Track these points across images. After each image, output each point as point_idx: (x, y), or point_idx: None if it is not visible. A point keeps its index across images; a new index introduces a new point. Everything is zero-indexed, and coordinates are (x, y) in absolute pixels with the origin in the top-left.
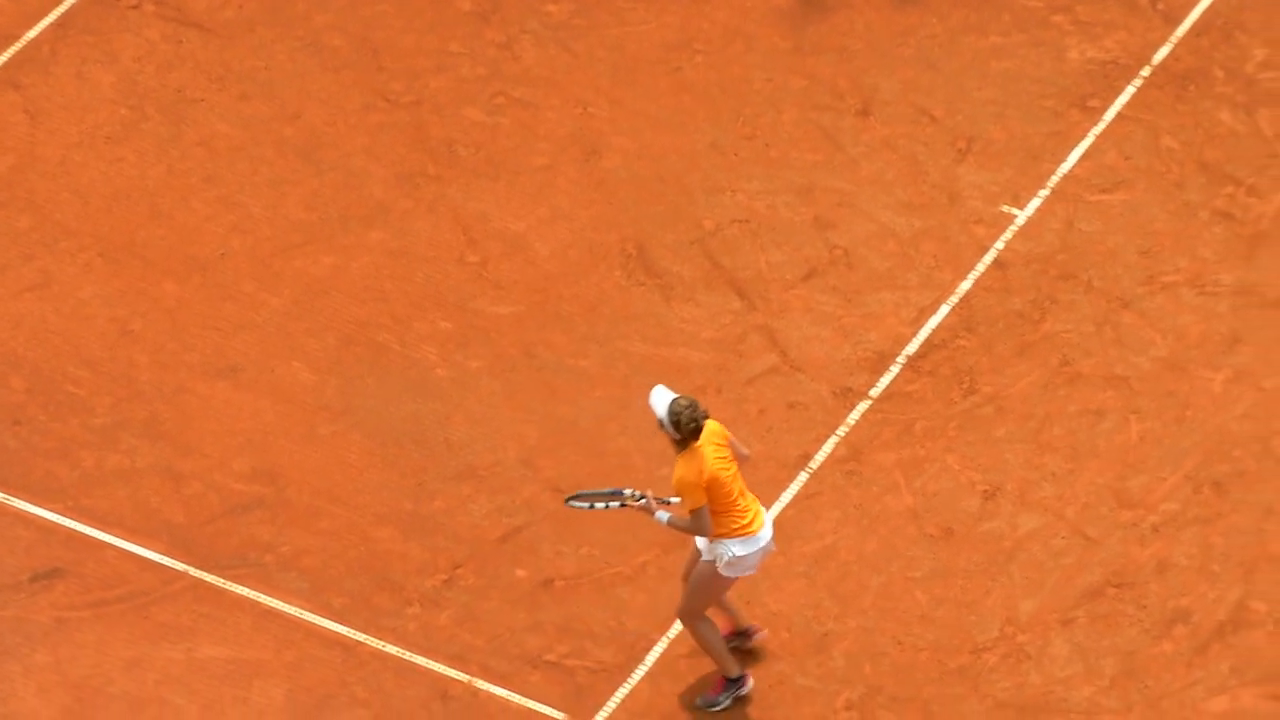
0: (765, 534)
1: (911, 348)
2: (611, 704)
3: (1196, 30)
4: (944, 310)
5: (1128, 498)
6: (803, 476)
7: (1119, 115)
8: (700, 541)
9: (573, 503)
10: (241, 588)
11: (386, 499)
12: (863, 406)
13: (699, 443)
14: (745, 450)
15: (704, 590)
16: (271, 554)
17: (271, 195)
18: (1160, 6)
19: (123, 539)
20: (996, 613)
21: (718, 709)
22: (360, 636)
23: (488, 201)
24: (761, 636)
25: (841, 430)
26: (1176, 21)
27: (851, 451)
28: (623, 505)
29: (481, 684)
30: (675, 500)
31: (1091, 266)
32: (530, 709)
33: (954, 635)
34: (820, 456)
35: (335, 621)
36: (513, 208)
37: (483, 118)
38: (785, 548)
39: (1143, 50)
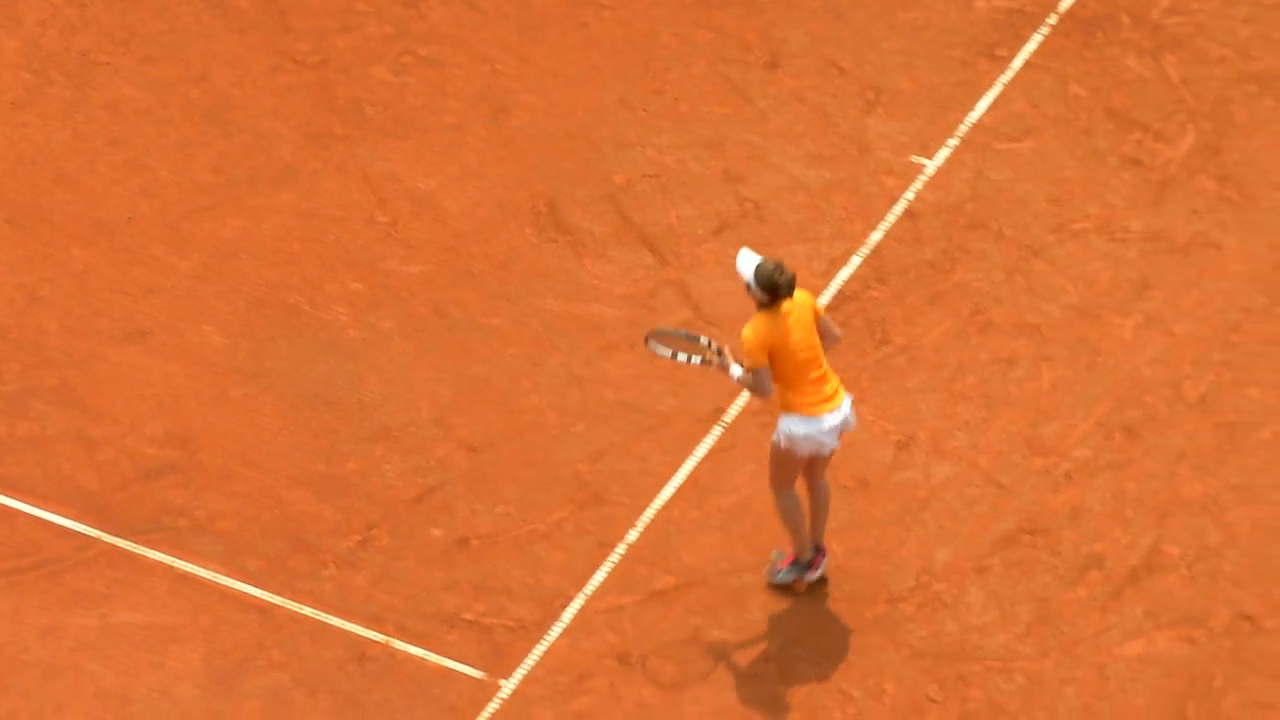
0: (829, 419)
1: (823, 299)
2: (530, 661)
3: None
4: (855, 261)
5: (1040, 445)
6: (717, 430)
7: (1026, 63)
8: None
9: (653, 344)
10: (156, 553)
11: (300, 461)
12: None
13: (782, 308)
14: (837, 331)
15: (775, 464)
16: (185, 518)
17: (179, 158)
18: None
19: (35, 506)
20: (912, 562)
21: (775, 581)
22: (276, 599)
23: (397, 161)
24: (818, 571)
25: None
26: None
27: (764, 404)
28: (703, 361)
29: (399, 644)
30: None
31: (1001, 215)
32: (448, 668)
33: (870, 585)
34: (734, 409)
35: (251, 585)
36: (422, 167)
37: (390, 77)
38: (700, 501)
39: None
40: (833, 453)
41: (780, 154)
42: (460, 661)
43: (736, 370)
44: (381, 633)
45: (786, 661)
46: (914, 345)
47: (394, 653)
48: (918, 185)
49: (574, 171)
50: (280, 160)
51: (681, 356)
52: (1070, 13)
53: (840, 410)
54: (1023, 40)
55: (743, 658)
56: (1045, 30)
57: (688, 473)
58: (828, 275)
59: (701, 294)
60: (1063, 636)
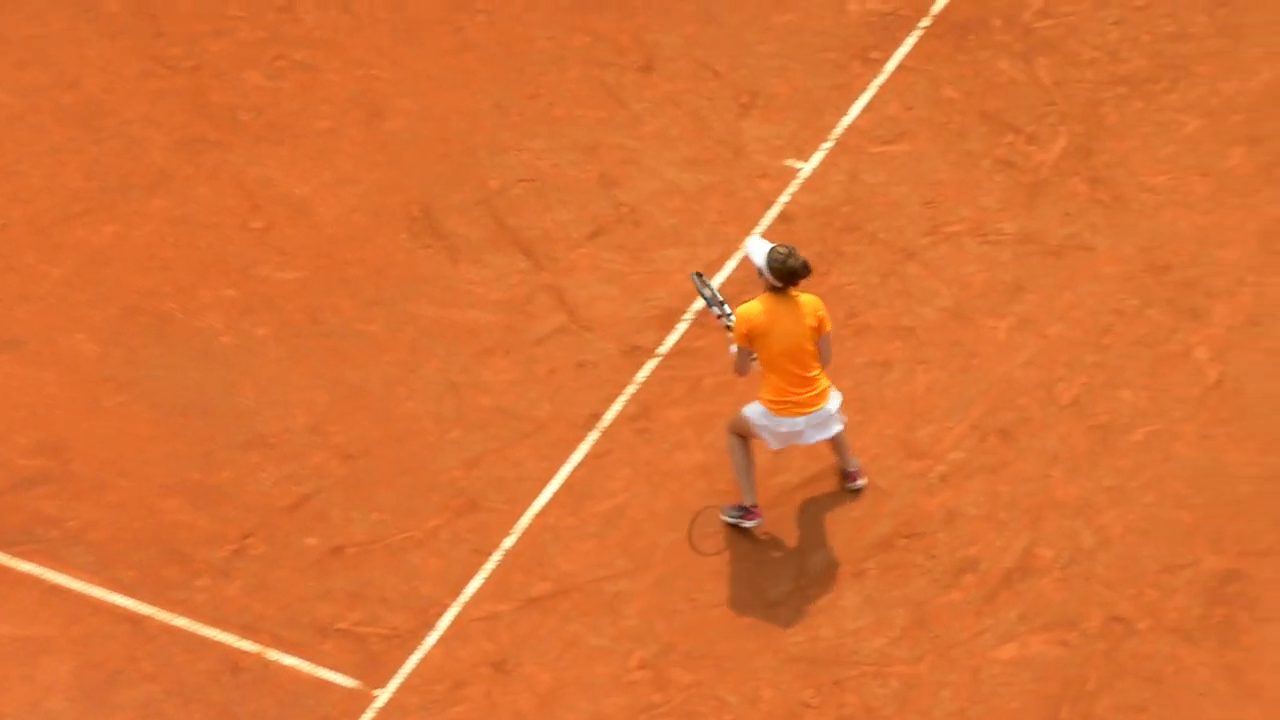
0: (786, 423)
1: (699, 303)
2: (405, 670)
3: None
4: (731, 265)
5: (916, 448)
6: (593, 435)
7: (900, 66)
8: None
9: (696, 279)
10: (27, 564)
11: (174, 470)
12: (652, 364)
13: (785, 299)
14: (828, 354)
15: (737, 419)
16: (57, 529)
17: (50, 164)
18: None
19: None
20: (788, 567)
21: (724, 519)
22: (149, 610)
23: (271, 166)
24: (858, 484)
25: (631, 388)
26: None
27: (641, 409)
28: (718, 317)
29: (273, 654)
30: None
31: (876, 218)
32: (323, 678)
33: (746, 590)
34: (610, 415)
35: (124, 595)
36: (296, 172)
37: (264, 82)
38: (576, 507)
39: (922, 1)
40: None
41: (655, 158)
42: (335, 671)
43: (734, 348)
44: (256, 643)
45: (663, 668)
46: None
47: (268, 663)
48: (793, 188)
49: (449, 176)
50: (153, 166)
51: (705, 295)
52: (942, 16)
53: (803, 418)
54: (896, 43)
55: (619, 665)
56: (918, 33)
57: (564, 479)
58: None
59: (577, 299)
60: (938, 640)
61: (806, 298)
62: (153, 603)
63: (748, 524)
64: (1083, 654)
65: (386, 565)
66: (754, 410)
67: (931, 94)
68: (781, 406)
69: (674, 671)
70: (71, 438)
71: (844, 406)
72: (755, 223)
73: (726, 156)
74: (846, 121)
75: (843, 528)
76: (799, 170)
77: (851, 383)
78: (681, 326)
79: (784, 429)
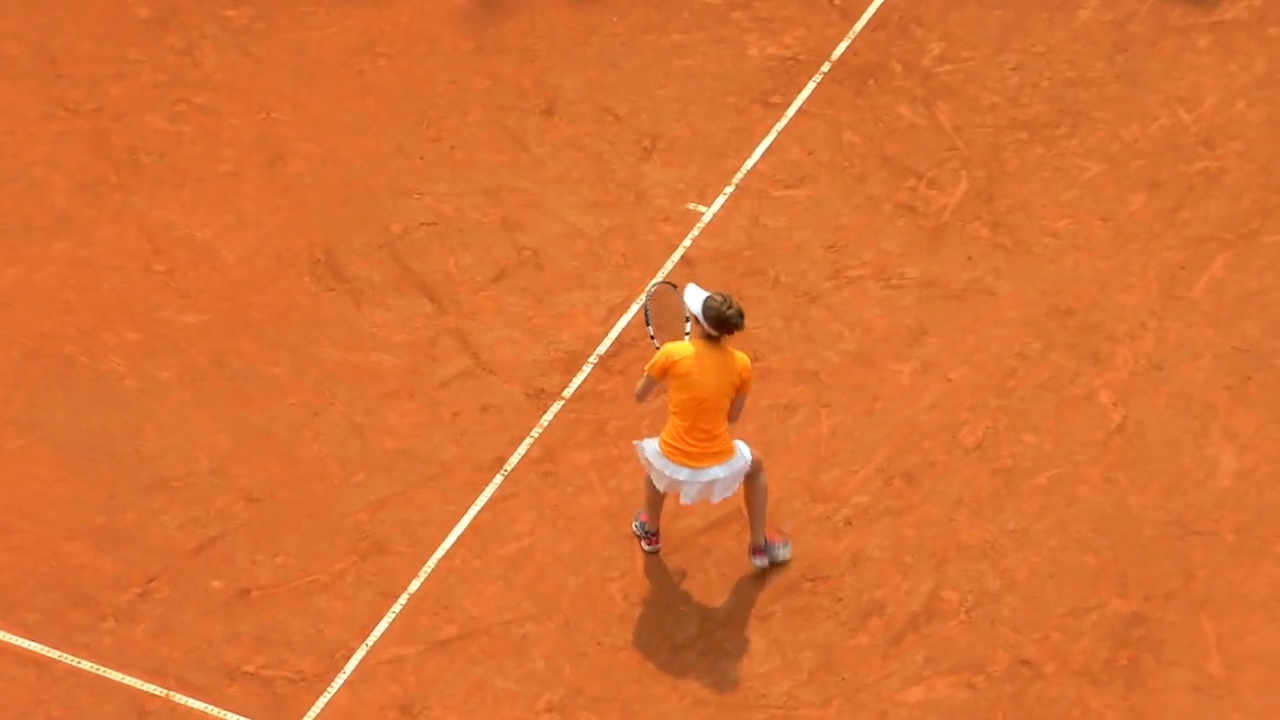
0: (678, 472)
1: (603, 347)
2: (312, 714)
3: (874, 25)
4: (634, 309)
5: (820, 491)
6: (498, 479)
7: (801, 111)
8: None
9: (647, 303)
10: None
11: (77, 513)
12: (556, 407)
13: (714, 348)
14: (736, 416)
15: (637, 448)
16: None
17: None
18: (837, 2)
19: None
20: (694, 610)
21: (634, 526)
22: (54, 654)
23: (173, 210)
24: (759, 561)
25: (536, 431)
26: (854, 17)
27: (546, 452)
28: (651, 338)
29: (179, 698)
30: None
31: (778, 262)
32: None
33: (653, 634)
34: (515, 458)
35: (27, 639)
36: (198, 215)
37: (165, 125)
38: (482, 550)
39: (822, 46)
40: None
41: (558, 201)
42: (241, 714)
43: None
44: (162, 686)
45: (570, 711)
46: None
47: (174, 706)
48: (695, 232)
49: (351, 220)
50: (54, 209)
51: (649, 325)
52: (843, 61)
53: (688, 471)
54: (797, 88)
55: (526, 708)
56: (819, 78)
57: (469, 522)
58: (607, 322)
59: (481, 342)
60: (845, 684)
61: (739, 355)
62: (57, 646)
63: (645, 547)
64: (989, 697)
65: (292, 608)
66: (650, 446)
67: (833, 138)
68: (672, 451)
69: (581, 714)
70: None
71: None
72: (659, 266)
73: (629, 200)
74: (748, 165)
75: (748, 571)
76: (701, 214)
77: (756, 426)
78: (585, 370)
79: (668, 474)
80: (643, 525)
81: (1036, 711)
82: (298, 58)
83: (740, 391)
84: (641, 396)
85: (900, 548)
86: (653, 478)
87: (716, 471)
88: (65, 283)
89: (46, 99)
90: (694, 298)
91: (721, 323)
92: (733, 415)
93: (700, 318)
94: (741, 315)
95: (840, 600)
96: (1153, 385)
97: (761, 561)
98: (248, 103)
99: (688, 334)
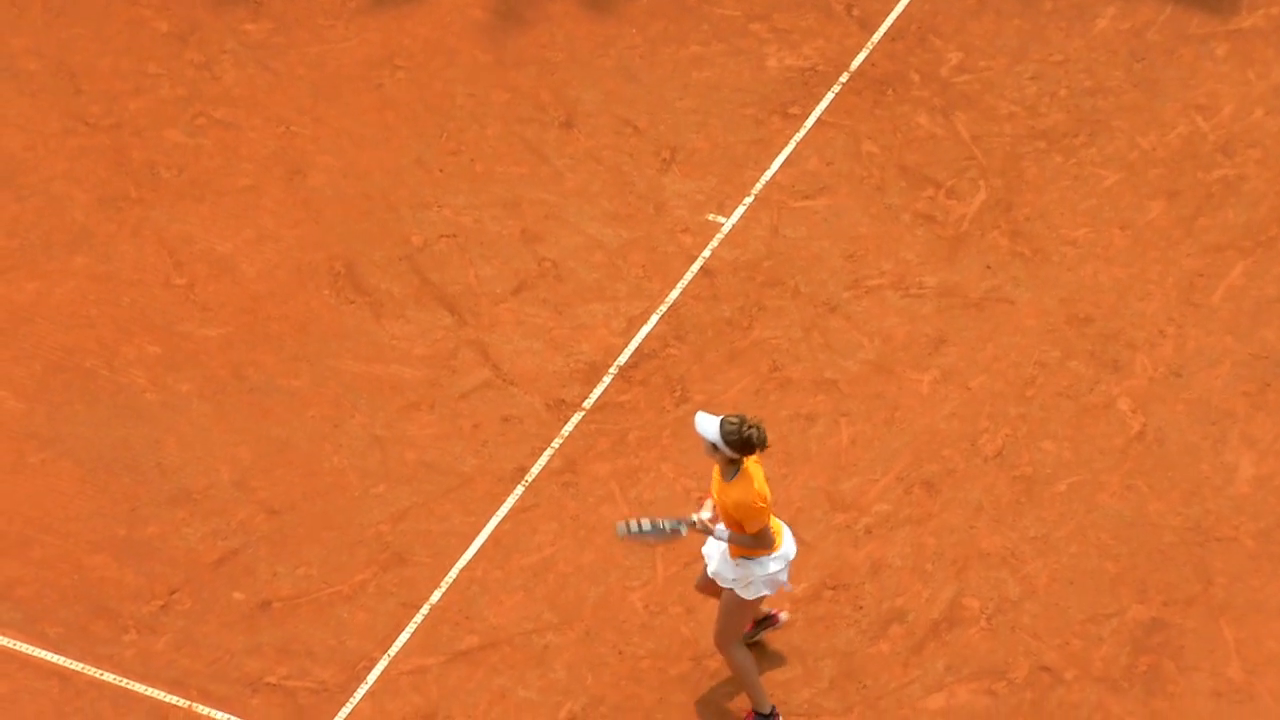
0: (790, 548)
1: (623, 358)
2: None
3: (892, 35)
4: (654, 320)
5: (841, 500)
6: (519, 490)
7: (819, 121)
8: (719, 566)
9: (634, 534)
10: None
11: (99, 526)
12: (576, 418)
13: (748, 463)
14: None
15: (734, 616)
16: None
17: None
18: (856, 13)
19: None
20: (715, 619)
21: None
22: (77, 666)
23: (193, 223)
24: (780, 623)
25: (556, 442)
26: (872, 28)
27: (567, 463)
28: (690, 529)
29: (202, 709)
30: (704, 515)
31: (798, 272)
32: None
33: (674, 643)
34: (536, 469)
35: (51, 651)
36: (218, 229)
37: (184, 139)
38: (503, 561)
39: (840, 56)
40: None
41: (577, 213)
42: None
43: (724, 531)
44: (184, 698)
45: None
46: (714, 402)
47: (197, 717)
48: (714, 243)
49: (371, 232)
50: (74, 223)
51: (676, 533)
52: (861, 71)
53: (788, 535)
54: (815, 99)
55: (548, 717)
56: (837, 88)
57: (490, 533)
58: (627, 334)
59: (501, 353)
60: (866, 691)
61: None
62: (80, 659)
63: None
64: (1010, 704)
65: (314, 619)
66: (764, 569)
67: (851, 149)
68: (780, 534)
69: None
70: None
71: (768, 458)
72: (678, 277)
73: (648, 212)
74: (767, 176)
75: None
76: (721, 225)
77: (776, 436)
78: (606, 380)
79: (792, 550)
80: (761, 718)
81: (1057, 717)
82: (316, 71)
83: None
84: (767, 540)
85: (921, 555)
86: (770, 587)
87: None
88: (86, 297)
89: (66, 114)
90: (707, 427)
91: (744, 444)
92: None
93: (722, 445)
94: (763, 434)
95: (861, 608)
96: (1172, 392)
97: (783, 617)
98: (267, 116)
99: (692, 523)
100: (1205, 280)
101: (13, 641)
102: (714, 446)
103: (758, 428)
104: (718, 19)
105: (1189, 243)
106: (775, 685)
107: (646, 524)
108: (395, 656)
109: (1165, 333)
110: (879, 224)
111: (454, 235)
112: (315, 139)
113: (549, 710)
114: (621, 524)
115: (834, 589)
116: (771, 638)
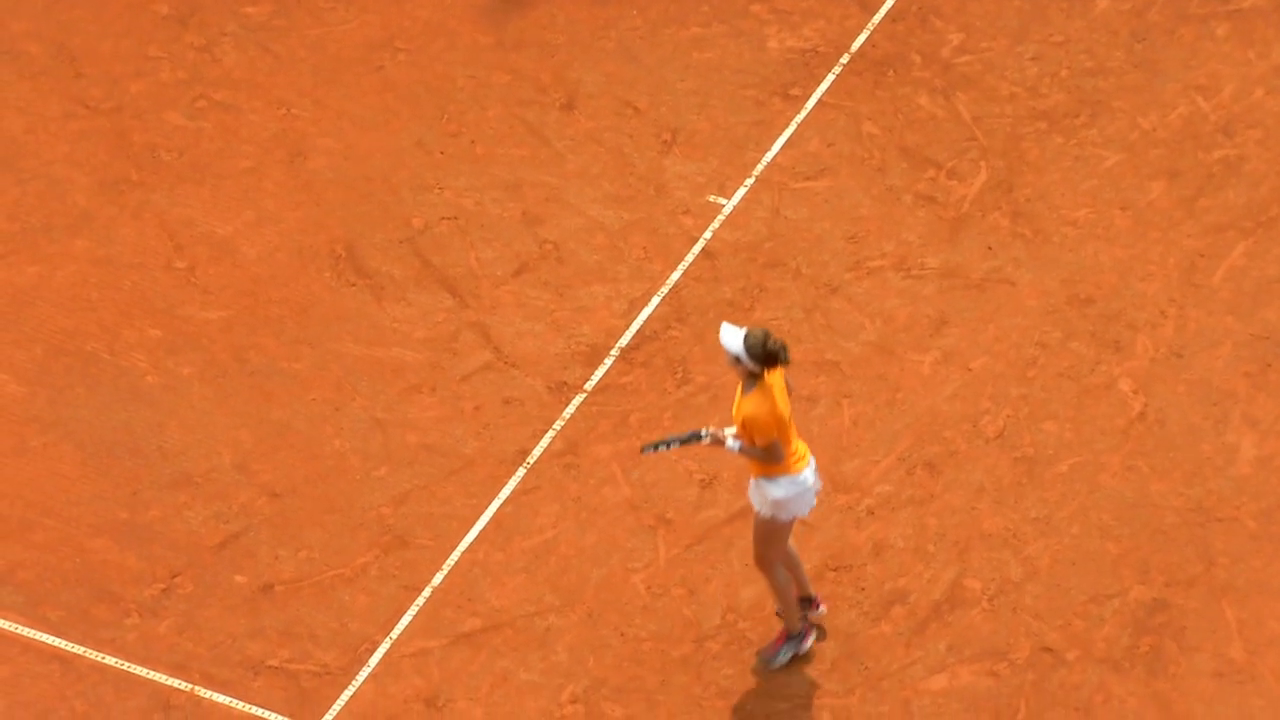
0: (809, 475)
1: (624, 340)
2: (336, 707)
3: (892, 16)
4: (655, 301)
5: (842, 481)
6: (520, 472)
7: (820, 103)
8: (749, 490)
9: (646, 450)
10: None
11: (101, 509)
12: (578, 400)
13: (769, 379)
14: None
15: (765, 539)
16: None
17: None
18: None
19: None
20: (718, 601)
21: (775, 666)
22: (78, 649)
23: (193, 206)
24: (819, 614)
25: (558, 424)
26: (873, 9)
27: (568, 445)
28: (697, 440)
29: (204, 692)
30: (731, 431)
31: (799, 253)
32: (254, 715)
33: (676, 625)
34: (537, 451)
35: (52, 635)
36: (219, 212)
37: (185, 122)
38: (505, 544)
39: (841, 38)
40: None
41: (578, 195)
42: (266, 708)
43: (734, 444)
44: (186, 681)
45: (594, 702)
46: (715, 384)
47: (199, 701)
48: (715, 225)
49: (372, 215)
50: (75, 207)
51: (696, 441)
52: (862, 52)
53: (813, 465)
54: (816, 80)
55: (550, 699)
56: (838, 70)
57: (492, 515)
58: (628, 315)
59: (502, 336)
60: (868, 672)
61: (777, 375)
62: (82, 642)
63: (804, 647)
64: (1012, 685)
65: (316, 602)
66: (780, 491)
67: (852, 130)
68: (799, 462)
69: (605, 705)
70: None
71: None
72: (680, 259)
73: (649, 193)
74: (768, 158)
75: None
76: (722, 206)
77: None
78: (607, 362)
79: (810, 481)
80: (791, 639)
81: (1059, 698)
82: (317, 54)
83: (786, 379)
84: (781, 458)
85: (922, 537)
86: (791, 511)
87: (813, 460)
88: (87, 280)
89: (66, 97)
90: (731, 338)
91: (768, 357)
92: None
93: (745, 357)
94: (785, 348)
95: (863, 589)
96: (1173, 373)
97: (813, 638)
98: (267, 99)
99: (710, 435)
100: (1206, 261)
101: (14, 625)
102: (736, 359)
103: (781, 342)
104: (718, 0)
105: (1190, 223)
106: (777, 667)
107: (665, 442)
108: (397, 639)
109: (1166, 313)
110: (880, 205)
111: (455, 218)
112: (316, 121)
113: (551, 692)
114: (644, 447)
115: (835, 570)
116: (774, 620)
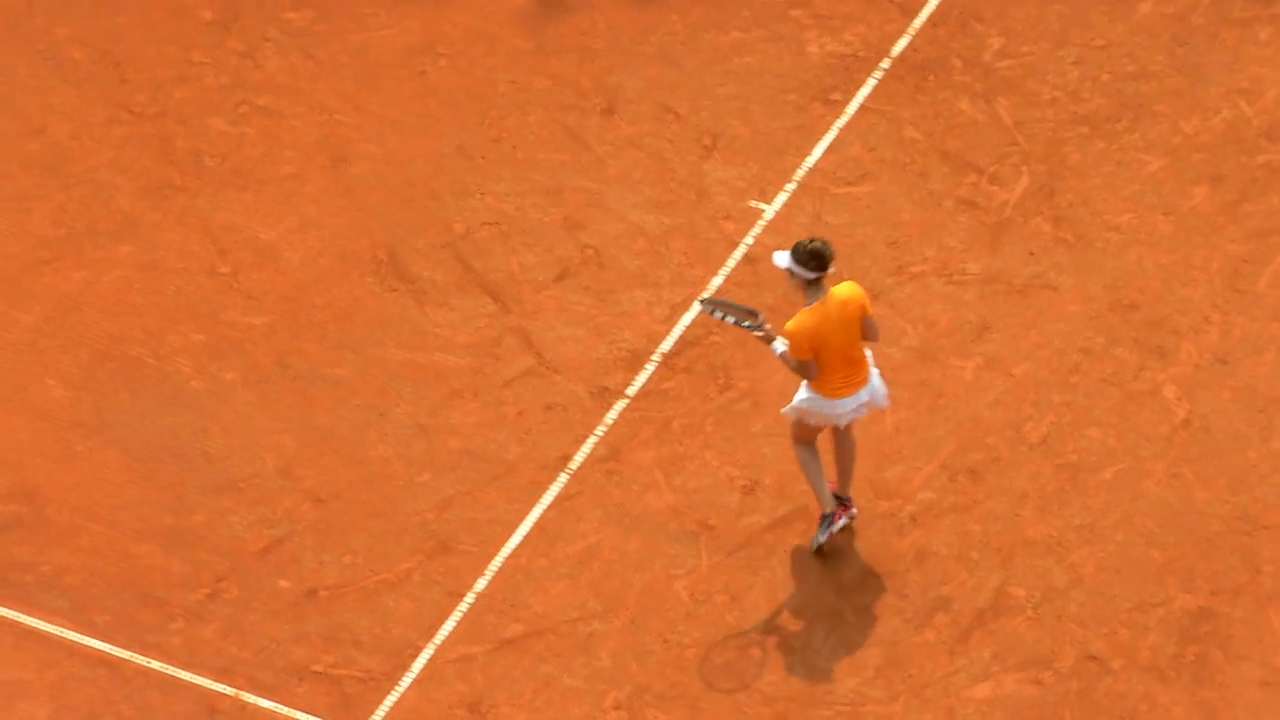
0: (844, 404)
1: (666, 345)
2: (380, 712)
3: (933, 21)
4: (697, 307)
5: (885, 488)
6: (563, 478)
7: (861, 108)
8: None
9: (705, 304)
10: (1, 609)
11: (146, 514)
12: (620, 405)
13: (829, 301)
14: (877, 334)
15: (792, 425)
16: (31, 574)
17: (17, 212)
18: None
19: None
20: (760, 607)
21: (813, 546)
22: (124, 654)
23: (236, 212)
24: (851, 514)
25: (600, 430)
26: (913, 13)
27: (611, 451)
28: (748, 327)
29: (249, 697)
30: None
31: (841, 259)
32: None
33: (719, 631)
34: (580, 457)
35: (99, 639)
36: (262, 217)
37: (228, 128)
38: (548, 549)
39: (881, 42)
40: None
41: (619, 200)
42: (310, 713)
43: (780, 347)
44: (231, 685)
45: (637, 709)
46: (757, 390)
47: (244, 705)
48: (757, 230)
49: (414, 220)
50: (120, 212)
51: (730, 319)
52: (903, 57)
53: (858, 396)
54: (857, 85)
55: (593, 705)
56: (879, 74)
57: (535, 520)
58: (670, 321)
59: (544, 341)
60: (911, 680)
61: (843, 287)
62: (128, 646)
63: (838, 525)
64: (1057, 693)
65: (360, 608)
66: (804, 400)
67: (893, 135)
68: (837, 390)
69: (648, 712)
70: (43, 483)
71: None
72: (721, 264)
73: (690, 198)
74: (809, 163)
75: (814, 567)
76: (763, 212)
77: None
78: (649, 368)
79: (840, 409)
80: (821, 522)
81: (1104, 707)
82: (359, 59)
83: (866, 315)
84: (812, 376)
85: (966, 544)
86: (812, 420)
87: (872, 382)
88: (132, 286)
89: (111, 103)
90: (782, 257)
91: (815, 256)
92: (871, 336)
93: (795, 267)
94: (829, 244)
95: (906, 597)
96: (1217, 379)
97: (842, 522)
98: (309, 104)
99: (759, 326)
100: (1250, 266)
101: (61, 629)
102: (790, 272)
103: (823, 240)
104: (758, 5)
105: (1233, 228)
106: (820, 674)
107: (724, 306)
108: (441, 645)
109: (1210, 319)
110: (921, 210)
111: (496, 223)
112: (358, 127)
113: (594, 698)
114: (703, 299)
115: (879, 577)
116: (817, 626)
